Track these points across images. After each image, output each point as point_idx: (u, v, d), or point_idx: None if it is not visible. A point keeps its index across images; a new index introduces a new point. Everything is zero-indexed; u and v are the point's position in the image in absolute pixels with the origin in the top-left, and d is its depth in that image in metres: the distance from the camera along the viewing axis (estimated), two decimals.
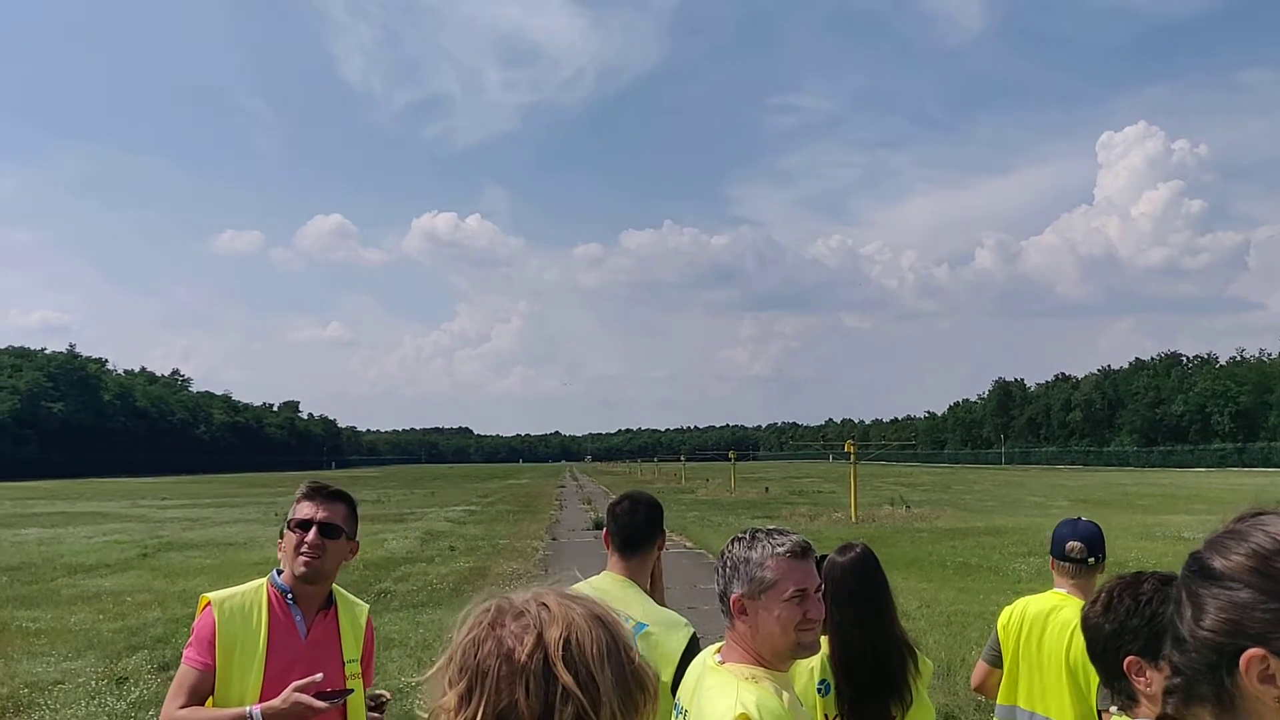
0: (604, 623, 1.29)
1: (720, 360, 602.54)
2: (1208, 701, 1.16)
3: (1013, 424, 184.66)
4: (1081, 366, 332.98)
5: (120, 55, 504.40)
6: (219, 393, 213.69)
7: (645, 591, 3.68)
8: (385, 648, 11.62)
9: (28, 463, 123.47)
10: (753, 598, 2.56)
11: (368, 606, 3.64)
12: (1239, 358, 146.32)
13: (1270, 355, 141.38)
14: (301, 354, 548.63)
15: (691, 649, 3.27)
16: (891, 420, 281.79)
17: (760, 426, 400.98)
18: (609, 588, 3.64)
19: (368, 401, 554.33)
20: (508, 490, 67.62)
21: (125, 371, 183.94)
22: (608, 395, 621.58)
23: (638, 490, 4.03)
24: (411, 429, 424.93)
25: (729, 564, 2.62)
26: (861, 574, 3.67)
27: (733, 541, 2.67)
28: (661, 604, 3.73)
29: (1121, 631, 2.47)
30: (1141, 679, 2.35)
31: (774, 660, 2.58)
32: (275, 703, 3.07)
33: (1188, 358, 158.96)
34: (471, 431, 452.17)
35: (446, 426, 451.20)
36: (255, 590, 3.33)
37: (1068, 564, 4.00)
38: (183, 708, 3.14)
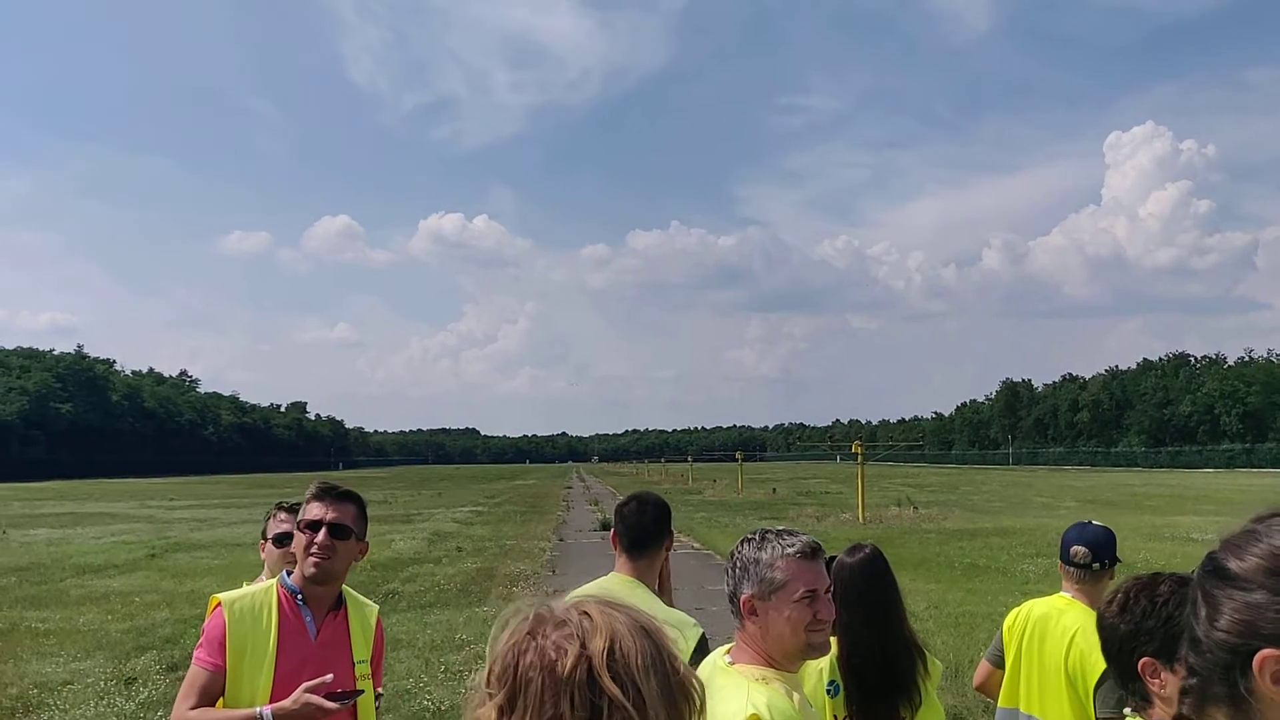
0: (648, 632, 1.25)
1: (727, 361, 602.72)
2: (1222, 702, 1.16)
3: (1020, 425, 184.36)
4: (1089, 367, 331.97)
5: (129, 57, 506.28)
6: (227, 393, 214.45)
7: (653, 592, 3.69)
8: (393, 649, 11.63)
9: (36, 463, 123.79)
10: (763, 598, 2.56)
11: (377, 607, 3.64)
12: (1247, 358, 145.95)
13: (1279, 355, 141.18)
14: (309, 355, 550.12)
15: (701, 649, 3.28)
16: (899, 421, 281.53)
17: (767, 427, 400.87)
18: (617, 588, 3.64)
19: (375, 402, 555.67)
20: (515, 491, 67.65)
21: (133, 372, 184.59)
22: (615, 396, 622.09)
23: (645, 491, 4.03)
24: (418, 430, 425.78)
25: (739, 565, 2.62)
26: (871, 575, 3.67)
27: (742, 542, 2.67)
28: (669, 605, 3.73)
29: (1137, 633, 2.46)
30: (1156, 680, 2.34)
31: (784, 661, 2.58)
32: (286, 703, 3.07)
33: (1196, 358, 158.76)
34: (478, 432, 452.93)
35: (453, 427, 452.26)
36: (265, 591, 3.33)
37: (1073, 568, 3.99)
38: (193, 708, 3.14)
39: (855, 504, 34.48)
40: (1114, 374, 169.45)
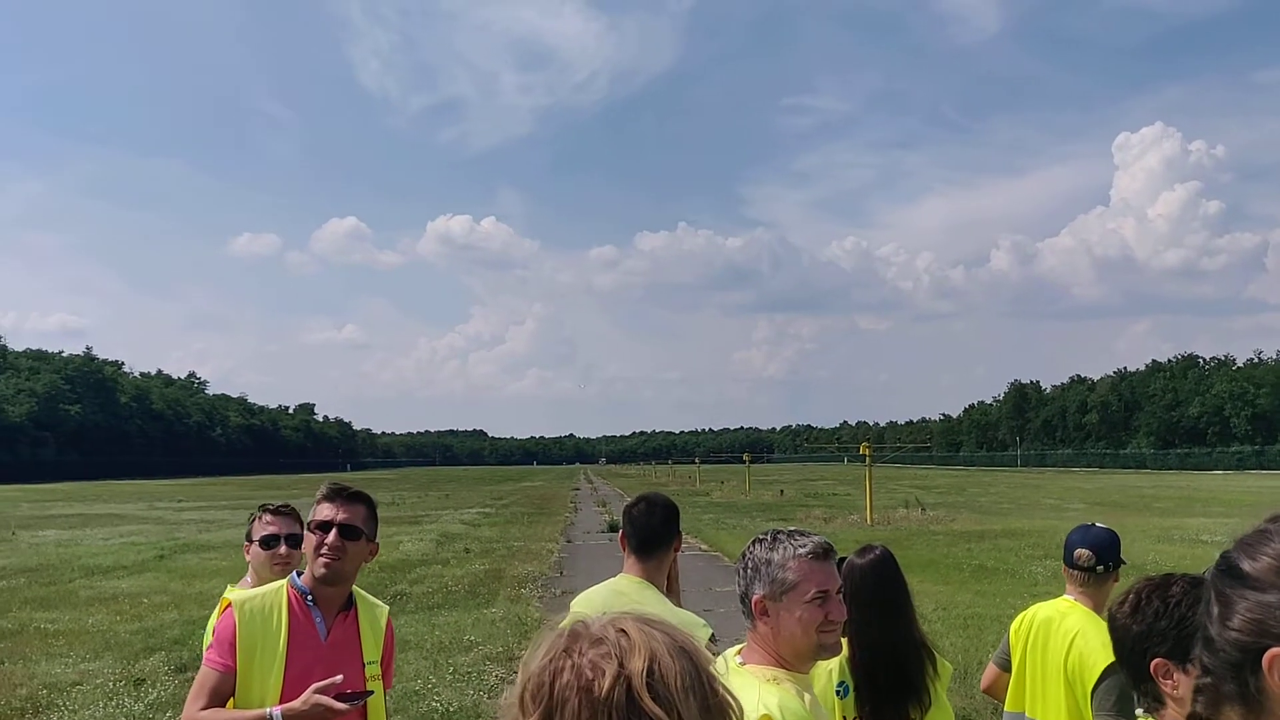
0: (687, 652, 1.20)
1: (735, 362, 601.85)
2: (1235, 701, 1.17)
3: (1028, 426, 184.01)
4: (1098, 368, 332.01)
5: (139, 60, 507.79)
6: (235, 395, 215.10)
7: (662, 593, 3.69)
8: (401, 650, 11.64)
9: (45, 465, 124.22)
10: (774, 599, 2.56)
11: (388, 608, 3.64)
12: (1257, 359, 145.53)
13: None
14: (317, 357, 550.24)
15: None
16: (907, 422, 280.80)
17: (775, 429, 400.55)
18: (626, 589, 3.65)
19: (383, 404, 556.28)
20: (522, 493, 67.71)
21: (142, 374, 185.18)
22: (622, 397, 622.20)
23: (653, 492, 4.04)
24: (426, 431, 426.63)
25: (750, 565, 2.62)
26: (881, 576, 3.66)
27: (754, 543, 2.67)
28: (678, 606, 3.74)
29: (1149, 634, 2.45)
30: (1169, 681, 2.34)
31: (795, 662, 2.58)
32: (295, 704, 3.08)
33: (1205, 359, 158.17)
34: (486, 434, 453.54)
35: (461, 429, 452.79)
36: (275, 592, 3.34)
37: (1077, 571, 3.98)
38: (204, 709, 3.15)
39: (863, 505, 34.44)
40: (1123, 375, 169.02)
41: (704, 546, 26.14)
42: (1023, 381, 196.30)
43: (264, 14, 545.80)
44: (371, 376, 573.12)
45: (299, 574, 3.38)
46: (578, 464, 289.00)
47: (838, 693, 3.59)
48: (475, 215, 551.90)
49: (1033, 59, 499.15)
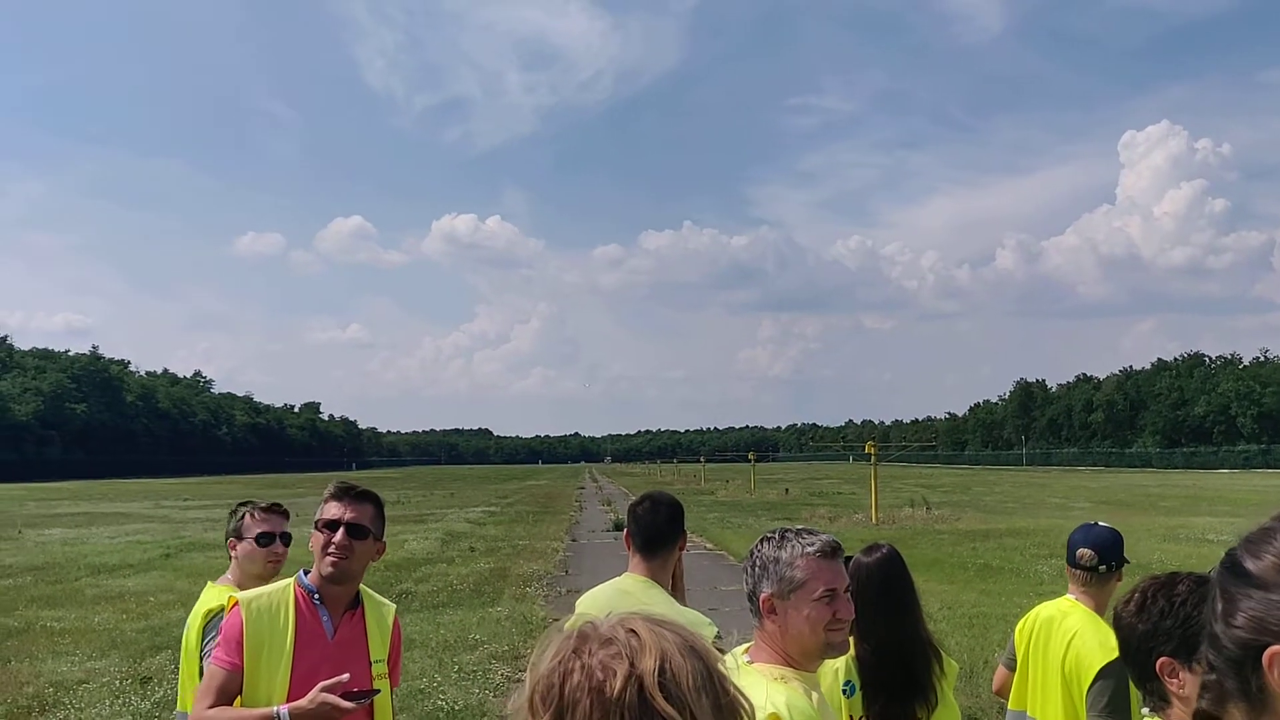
0: (697, 651, 1.19)
1: (740, 361, 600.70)
2: (1237, 698, 1.18)
3: (1034, 425, 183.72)
4: (1103, 367, 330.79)
5: (142, 60, 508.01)
6: (240, 394, 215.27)
7: (668, 592, 3.70)
8: (406, 648, 11.61)
9: (51, 463, 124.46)
10: (782, 597, 2.56)
11: (394, 606, 3.65)
12: (1263, 358, 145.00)
13: None
14: (322, 355, 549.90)
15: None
16: (912, 421, 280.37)
17: (780, 428, 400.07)
18: (631, 588, 3.65)
19: (388, 403, 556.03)
20: (527, 491, 67.74)
21: (147, 373, 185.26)
22: (627, 396, 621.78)
23: (658, 491, 4.04)
24: (431, 430, 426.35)
25: (758, 563, 2.62)
26: (887, 575, 3.66)
27: (762, 541, 2.67)
28: (682, 604, 3.74)
29: (1155, 632, 2.45)
30: (1174, 680, 2.33)
31: (803, 660, 2.58)
32: (302, 703, 3.08)
33: (1211, 358, 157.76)
34: (491, 433, 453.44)
35: (466, 428, 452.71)
36: (282, 590, 3.34)
37: (1079, 571, 3.98)
38: (211, 707, 3.16)
39: (868, 504, 34.42)
40: (1128, 374, 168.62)
41: (709, 545, 26.14)
42: (1028, 380, 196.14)
43: (269, 14, 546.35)
44: (376, 375, 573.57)
45: (306, 572, 3.39)
46: (583, 463, 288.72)
47: (844, 691, 3.59)
48: (480, 214, 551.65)
49: (1037, 58, 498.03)
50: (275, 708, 3.11)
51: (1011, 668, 4.28)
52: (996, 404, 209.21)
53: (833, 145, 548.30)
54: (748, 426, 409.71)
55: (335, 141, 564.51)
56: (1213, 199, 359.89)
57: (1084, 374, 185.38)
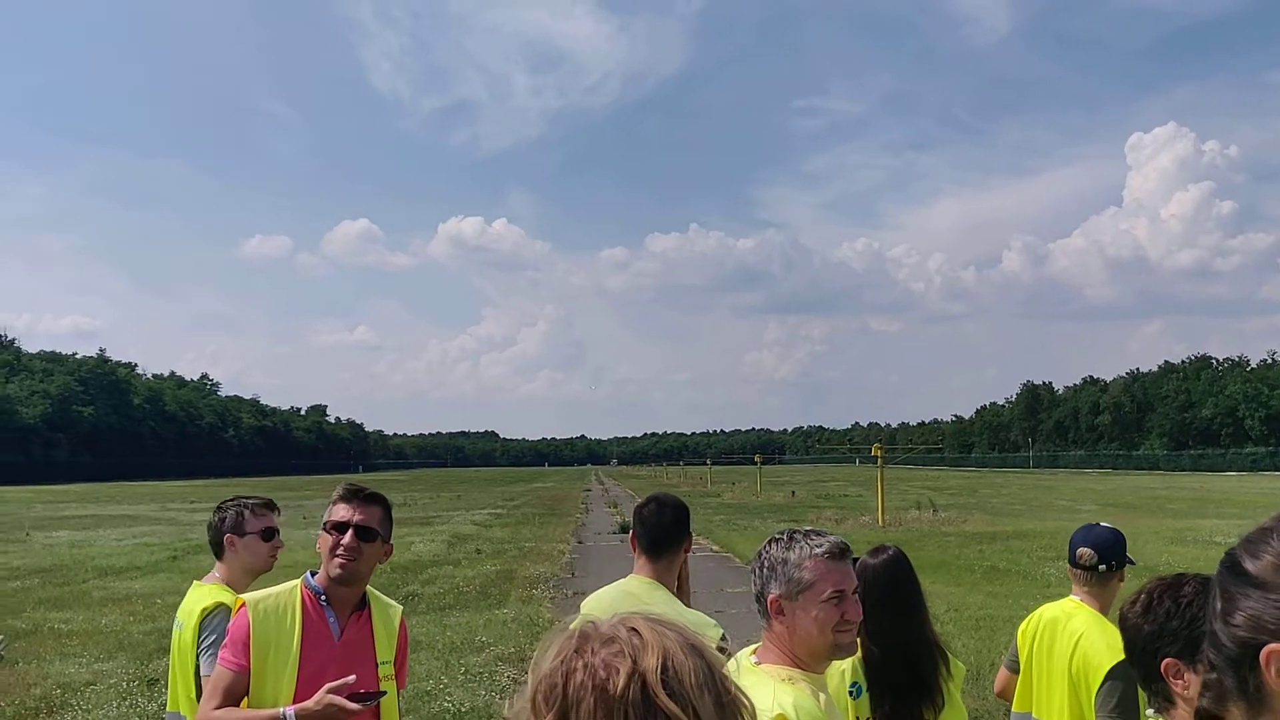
0: (699, 650, 1.20)
1: (746, 363, 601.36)
2: (1236, 697, 1.20)
3: (1040, 427, 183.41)
4: (1110, 369, 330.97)
5: (148, 61, 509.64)
6: (247, 397, 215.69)
7: (673, 594, 3.70)
8: (413, 650, 11.66)
9: (58, 466, 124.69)
10: (790, 598, 2.56)
11: (401, 608, 3.65)
12: (1271, 360, 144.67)
13: None
14: (329, 358, 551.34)
15: (720, 649, 3.28)
16: (918, 423, 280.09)
17: (786, 430, 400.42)
18: (637, 590, 3.65)
19: (394, 405, 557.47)
20: (533, 494, 67.79)
21: (155, 376, 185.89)
22: (633, 399, 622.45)
23: (664, 492, 4.04)
24: (438, 433, 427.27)
25: (766, 564, 2.62)
26: (894, 576, 3.66)
27: (770, 542, 2.67)
28: (688, 606, 3.74)
29: (1160, 633, 2.45)
30: (1179, 681, 2.33)
31: (810, 661, 2.59)
32: (309, 704, 3.09)
33: (1218, 360, 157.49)
34: (497, 435, 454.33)
35: (472, 430, 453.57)
36: (289, 591, 3.35)
37: (1081, 571, 3.97)
38: (218, 709, 3.17)
39: (875, 507, 34.38)
40: (1135, 376, 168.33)
41: (715, 547, 26.13)
42: (1035, 383, 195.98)
43: (276, 16, 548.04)
44: (383, 378, 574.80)
45: (313, 574, 3.40)
46: (589, 465, 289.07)
47: (851, 693, 3.59)
48: (486, 217, 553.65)
49: (1043, 60, 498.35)
50: (282, 709, 3.12)
51: (1014, 669, 4.27)
52: (1003, 406, 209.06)
53: (839, 147, 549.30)
54: (754, 429, 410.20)
55: (342, 144, 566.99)
56: (1220, 201, 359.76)
57: (1091, 376, 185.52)
